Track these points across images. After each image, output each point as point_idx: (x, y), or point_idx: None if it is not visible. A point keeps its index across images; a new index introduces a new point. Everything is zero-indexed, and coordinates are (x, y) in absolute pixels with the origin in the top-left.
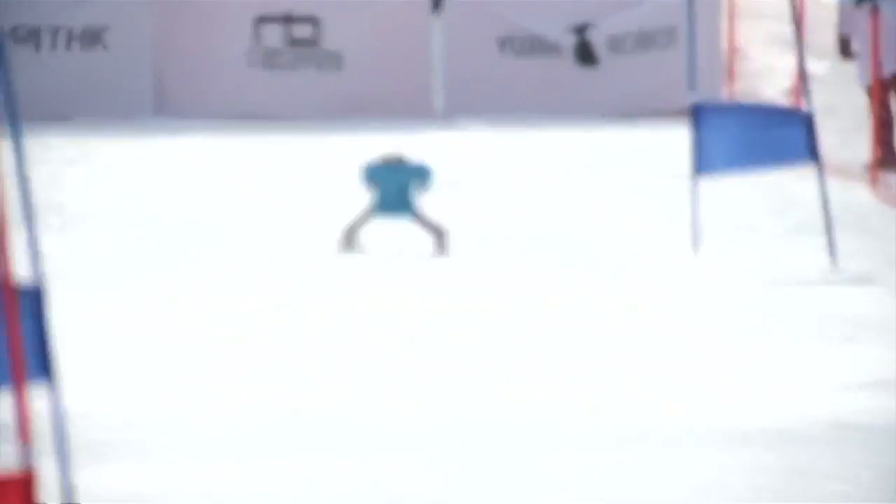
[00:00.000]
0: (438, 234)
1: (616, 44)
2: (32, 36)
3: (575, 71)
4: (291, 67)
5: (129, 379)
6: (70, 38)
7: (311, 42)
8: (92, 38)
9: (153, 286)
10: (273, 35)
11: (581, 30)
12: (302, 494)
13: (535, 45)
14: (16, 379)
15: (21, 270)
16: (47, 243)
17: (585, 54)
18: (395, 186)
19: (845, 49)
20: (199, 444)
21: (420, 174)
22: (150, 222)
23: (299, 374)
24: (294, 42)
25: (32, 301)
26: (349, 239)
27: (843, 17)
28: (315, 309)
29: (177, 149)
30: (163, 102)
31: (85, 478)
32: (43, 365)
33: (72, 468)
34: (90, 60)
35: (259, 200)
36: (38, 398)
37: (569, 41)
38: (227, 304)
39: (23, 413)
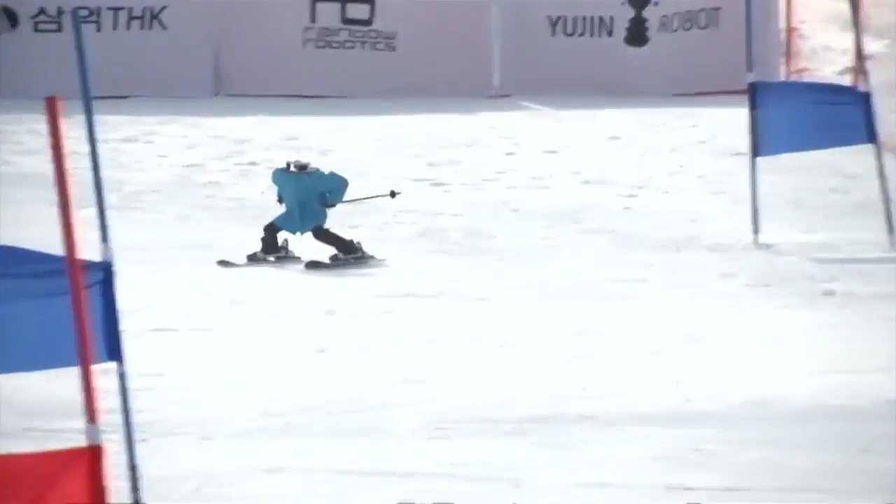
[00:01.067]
0: (345, 249)
1: (666, 23)
2: (93, 16)
3: (624, 50)
4: (346, 47)
5: (190, 357)
6: (130, 17)
7: (366, 22)
8: (151, 17)
9: (211, 264)
10: (329, 15)
11: (640, 4)
12: (360, 472)
13: (585, 25)
14: (83, 357)
15: (86, 249)
16: (107, 222)
17: (637, 33)
18: (297, 196)
19: None
20: (262, 422)
21: (328, 184)
22: (207, 200)
23: (359, 358)
24: (349, 22)
25: (100, 280)
26: (265, 249)
27: None
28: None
29: (234, 127)
30: (221, 81)
31: (150, 453)
32: (110, 343)
33: (137, 444)
34: (149, 40)
35: None
36: (105, 375)
37: (625, 16)
38: (284, 285)
39: (90, 391)
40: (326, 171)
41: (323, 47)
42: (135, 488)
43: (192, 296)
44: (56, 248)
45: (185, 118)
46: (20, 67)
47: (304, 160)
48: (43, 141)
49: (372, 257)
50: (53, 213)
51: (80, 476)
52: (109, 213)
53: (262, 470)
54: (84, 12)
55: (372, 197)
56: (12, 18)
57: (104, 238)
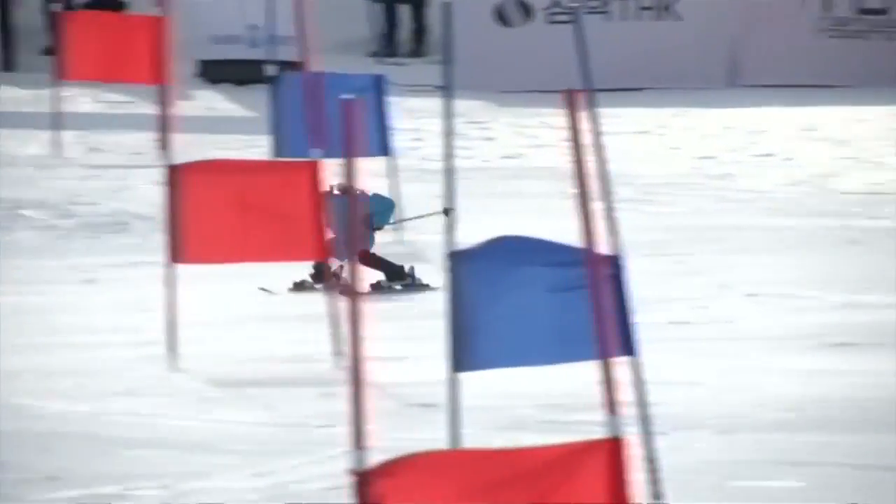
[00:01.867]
0: (392, 275)
1: None
2: (603, 6)
3: None
4: (861, 37)
5: (706, 349)
6: (640, 7)
7: (881, 11)
8: (664, 7)
9: (724, 255)
10: (843, 4)
11: None
12: (881, 467)
13: None
14: (604, 350)
15: (601, 242)
16: (620, 214)
17: None
18: (341, 221)
19: None
20: (781, 416)
21: (372, 207)
22: (721, 192)
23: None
24: (865, 11)
25: (613, 273)
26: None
27: None
28: None
29: (748, 118)
30: (736, 72)
31: (669, 447)
32: (625, 337)
33: (656, 437)
34: (662, 30)
35: (825, 172)
36: (621, 368)
37: None
38: (804, 274)
39: (611, 383)
40: (371, 193)
41: (836, 37)
42: (654, 481)
43: (708, 287)
44: (569, 240)
45: (696, 109)
46: (535, 60)
47: (347, 183)
48: (556, 134)
49: (426, 286)
50: (565, 205)
51: (601, 468)
52: (624, 206)
53: (783, 464)
54: (594, 3)
55: (422, 216)
56: (526, 11)
57: (614, 231)
